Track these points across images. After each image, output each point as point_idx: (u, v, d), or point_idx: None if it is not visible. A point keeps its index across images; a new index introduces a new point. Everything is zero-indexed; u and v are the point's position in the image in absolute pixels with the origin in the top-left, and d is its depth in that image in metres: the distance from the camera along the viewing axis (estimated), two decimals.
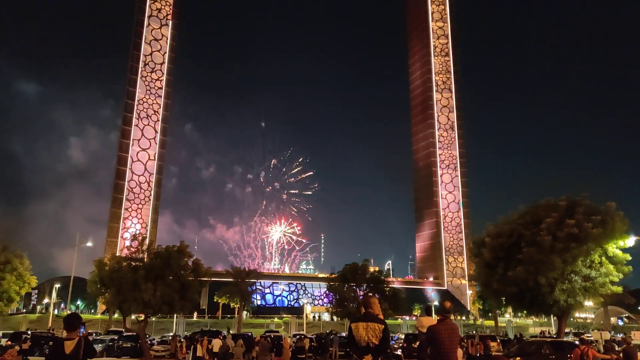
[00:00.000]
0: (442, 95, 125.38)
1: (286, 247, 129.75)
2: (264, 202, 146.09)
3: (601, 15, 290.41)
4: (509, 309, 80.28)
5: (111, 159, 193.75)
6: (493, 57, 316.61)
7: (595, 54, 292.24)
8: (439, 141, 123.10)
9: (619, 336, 44.70)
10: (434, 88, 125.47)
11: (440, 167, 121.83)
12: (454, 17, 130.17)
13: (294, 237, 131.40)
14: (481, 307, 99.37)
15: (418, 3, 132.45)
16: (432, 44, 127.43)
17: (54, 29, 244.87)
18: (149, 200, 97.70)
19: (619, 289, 32.36)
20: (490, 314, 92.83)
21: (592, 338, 34.84)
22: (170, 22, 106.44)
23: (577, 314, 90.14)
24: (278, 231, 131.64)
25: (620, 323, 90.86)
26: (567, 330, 53.16)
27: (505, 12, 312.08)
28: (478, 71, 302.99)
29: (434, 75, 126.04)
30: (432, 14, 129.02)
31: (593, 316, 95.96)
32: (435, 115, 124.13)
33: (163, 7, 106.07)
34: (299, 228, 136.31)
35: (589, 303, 35.89)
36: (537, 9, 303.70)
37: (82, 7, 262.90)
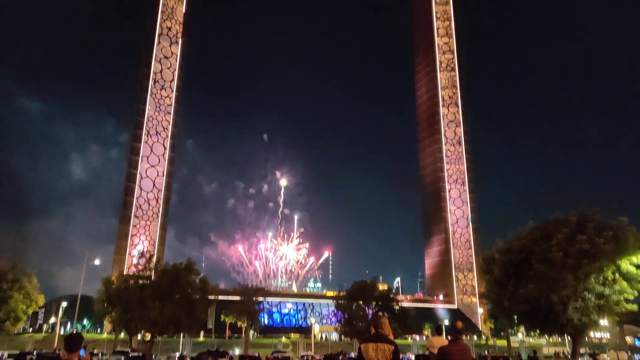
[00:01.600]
0: (448, 110, 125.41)
1: (293, 265, 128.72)
2: (267, 218, 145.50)
3: (603, 28, 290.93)
4: (522, 328, 78.75)
5: (112, 176, 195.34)
6: (499, 72, 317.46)
7: (602, 64, 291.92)
8: (446, 156, 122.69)
9: (637, 357, 43.57)
10: (440, 103, 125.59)
11: (448, 181, 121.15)
12: (459, 33, 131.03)
13: (302, 254, 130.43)
14: (493, 326, 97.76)
15: (424, 19, 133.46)
16: (437, 59, 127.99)
17: (57, 47, 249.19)
18: (157, 217, 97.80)
19: (634, 307, 31.65)
20: (502, 334, 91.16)
21: (608, 359, 33.93)
22: (180, 40, 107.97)
23: (591, 334, 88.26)
24: (283, 248, 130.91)
25: (638, 343, 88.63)
26: (582, 350, 51.95)
27: (509, 28, 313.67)
28: (484, 86, 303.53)
29: (440, 90, 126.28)
30: (437, 29, 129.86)
31: (608, 335, 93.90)
32: (442, 129, 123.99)
33: (173, 25, 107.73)
34: (305, 247, 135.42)
35: (603, 322, 35.06)
36: (541, 22, 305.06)
37: (85, 25, 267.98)
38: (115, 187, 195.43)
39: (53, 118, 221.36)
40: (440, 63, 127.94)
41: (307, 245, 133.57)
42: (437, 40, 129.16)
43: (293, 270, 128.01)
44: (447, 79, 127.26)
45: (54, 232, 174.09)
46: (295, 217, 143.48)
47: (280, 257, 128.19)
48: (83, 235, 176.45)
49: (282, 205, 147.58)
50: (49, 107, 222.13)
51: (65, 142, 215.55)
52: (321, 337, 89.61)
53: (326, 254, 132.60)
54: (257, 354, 42.59)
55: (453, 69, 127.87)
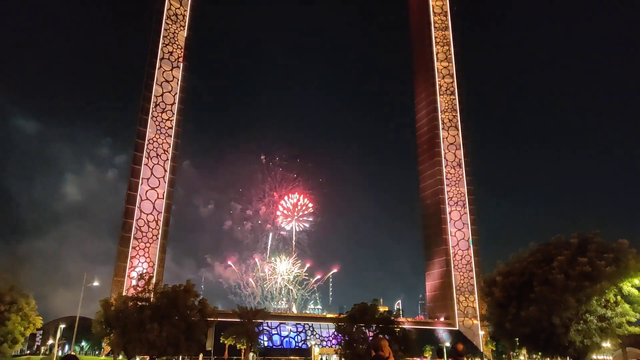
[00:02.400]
0: (448, 133, 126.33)
1: (290, 286, 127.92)
2: (264, 240, 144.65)
3: (605, 45, 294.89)
4: (524, 351, 77.88)
5: (108, 197, 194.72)
6: (499, 95, 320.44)
7: (604, 86, 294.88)
8: (446, 178, 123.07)
9: None
10: (440, 126, 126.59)
11: (448, 204, 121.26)
12: (458, 57, 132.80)
13: (300, 274, 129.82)
14: (494, 349, 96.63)
15: (423, 44, 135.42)
16: (437, 83, 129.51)
17: (54, 66, 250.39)
18: (157, 239, 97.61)
19: (636, 330, 31.50)
20: (504, 356, 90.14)
21: None
22: (181, 64, 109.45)
23: (594, 356, 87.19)
24: (282, 269, 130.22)
25: None
26: None
27: (509, 50, 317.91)
28: (484, 108, 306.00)
29: (439, 113, 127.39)
30: (436, 54, 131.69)
31: (611, 358, 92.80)
32: (442, 152, 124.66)
33: (175, 50, 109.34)
34: (306, 267, 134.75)
35: (606, 344, 34.81)
36: (540, 46, 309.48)
37: (84, 47, 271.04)
38: (110, 208, 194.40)
39: (49, 138, 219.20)
40: (440, 87, 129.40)
41: (306, 266, 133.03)
42: (436, 64, 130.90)
43: (290, 292, 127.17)
44: (446, 102, 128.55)
45: (48, 253, 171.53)
46: (293, 239, 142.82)
47: (276, 279, 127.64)
48: (78, 256, 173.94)
49: (279, 228, 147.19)
50: (45, 127, 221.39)
51: (60, 162, 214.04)
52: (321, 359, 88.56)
53: (334, 270, 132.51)
54: None
55: (453, 93, 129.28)
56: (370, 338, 55.55)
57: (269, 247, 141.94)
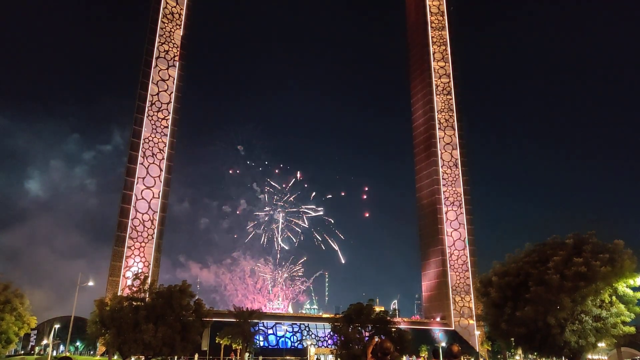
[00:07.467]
0: (445, 133, 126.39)
1: (279, 285, 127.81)
2: (247, 238, 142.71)
3: (604, 48, 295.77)
4: (519, 351, 78.08)
5: (73, 194, 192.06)
6: (496, 95, 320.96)
7: (600, 87, 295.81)
8: (442, 178, 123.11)
9: None
10: (437, 126, 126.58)
11: (444, 204, 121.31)
12: (455, 57, 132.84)
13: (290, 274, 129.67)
14: (490, 349, 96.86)
15: (419, 43, 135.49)
16: (434, 83, 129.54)
17: (25, 61, 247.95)
18: (152, 238, 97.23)
19: (631, 330, 31.58)
20: (499, 356, 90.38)
21: None
22: (177, 63, 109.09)
23: (589, 356, 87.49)
24: (266, 269, 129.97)
25: None
26: None
27: (506, 50, 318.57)
28: (481, 109, 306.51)
29: (436, 113, 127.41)
30: (433, 54, 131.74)
31: (606, 358, 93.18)
32: (439, 152, 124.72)
33: (170, 49, 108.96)
34: (300, 265, 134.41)
35: (601, 344, 34.87)
36: (538, 46, 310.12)
37: (63, 42, 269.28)
38: (77, 204, 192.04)
39: (13, 133, 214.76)
40: (437, 87, 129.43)
41: (289, 265, 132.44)
42: (433, 64, 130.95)
43: (271, 290, 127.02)
44: (443, 102, 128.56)
45: (15, 250, 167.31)
46: (280, 239, 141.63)
47: (261, 278, 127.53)
48: (46, 252, 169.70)
49: (262, 223, 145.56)
50: (10, 121, 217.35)
51: (26, 157, 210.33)
52: None
53: (320, 272, 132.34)
54: None
55: (449, 93, 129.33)
56: (366, 338, 55.54)
57: (260, 245, 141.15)
